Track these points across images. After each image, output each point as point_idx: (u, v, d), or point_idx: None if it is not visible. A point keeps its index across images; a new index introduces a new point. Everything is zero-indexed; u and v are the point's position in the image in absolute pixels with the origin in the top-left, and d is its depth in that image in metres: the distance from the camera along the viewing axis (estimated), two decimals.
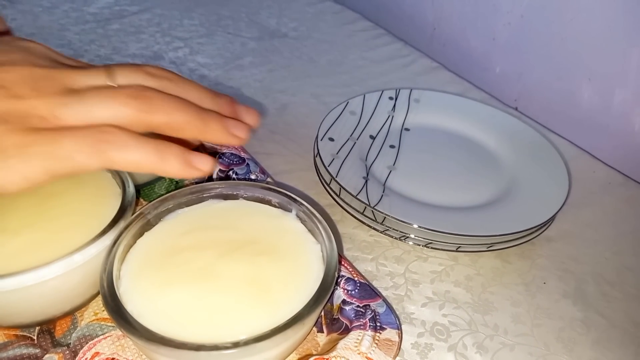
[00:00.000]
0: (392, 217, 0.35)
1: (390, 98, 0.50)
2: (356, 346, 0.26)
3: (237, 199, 0.32)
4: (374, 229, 0.38)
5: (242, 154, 0.41)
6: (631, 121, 0.46)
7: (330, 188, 0.40)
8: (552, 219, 0.38)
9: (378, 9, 0.73)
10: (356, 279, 0.31)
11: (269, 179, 0.39)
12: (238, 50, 0.62)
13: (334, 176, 0.38)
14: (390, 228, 0.37)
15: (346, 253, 0.36)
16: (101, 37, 0.62)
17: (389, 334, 0.28)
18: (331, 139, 0.43)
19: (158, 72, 0.25)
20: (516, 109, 0.56)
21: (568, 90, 0.51)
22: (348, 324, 0.29)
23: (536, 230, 0.37)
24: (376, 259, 0.36)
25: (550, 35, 0.52)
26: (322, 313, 0.30)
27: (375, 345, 0.27)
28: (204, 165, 0.24)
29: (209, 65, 0.58)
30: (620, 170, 0.47)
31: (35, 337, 0.29)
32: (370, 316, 0.28)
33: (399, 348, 0.28)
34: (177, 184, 0.39)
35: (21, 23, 0.64)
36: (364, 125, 0.46)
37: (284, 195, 0.31)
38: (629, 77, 0.46)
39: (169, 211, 0.31)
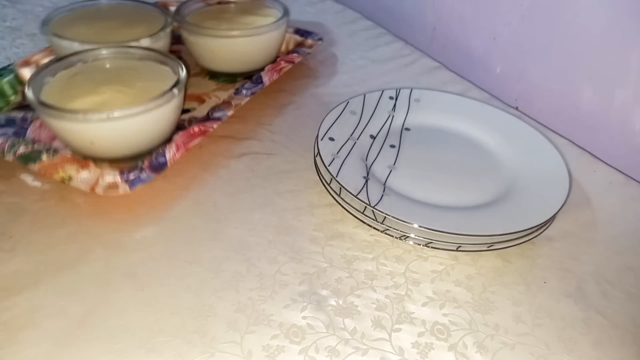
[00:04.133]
0: (392, 216, 0.35)
1: (391, 98, 0.50)
2: None
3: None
4: (375, 228, 0.38)
5: None
6: (631, 121, 0.46)
7: (331, 188, 0.40)
8: (552, 218, 0.38)
9: (378, 9, 0.73)
10: None
11: None
12: None
13: (334, 176, 0.38)
14: (391, 228, 0.37)
15: (346, 252, 0.36)
16: None
17: None
18: (331, 139, 0.43)
19: None
20: (517, 108, 0.56)
21: (568, 90, 0.51)
22: None
23: (536, 230, 0.37)
24: (376, 258, 0.36)
25: (550, 35, 0.52)
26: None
27: None
28: None
29: None
30: (620, 170, 0.47)
31: None
32: None
33: None
34: None
35: (21, 23, 0.64)
36: (364, 125, 0.46)
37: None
38: (629, 77, 0.46)
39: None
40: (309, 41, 0.59)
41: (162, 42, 0.50)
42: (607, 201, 0.43)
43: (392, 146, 0.45)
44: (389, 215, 0.36)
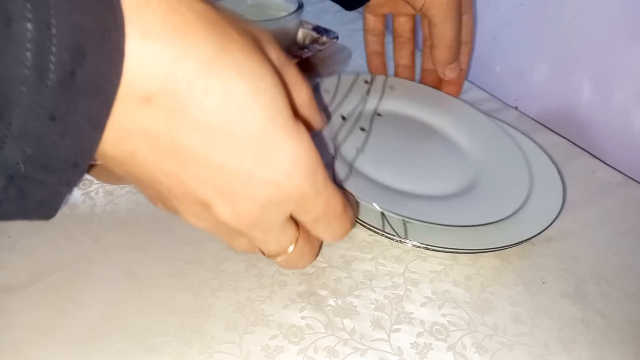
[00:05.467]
0: (357, 196, 0.35)
1: (366, 82, 0.50)
2: None
3: None
4: (374, 231, 0.37)
5: None
6: (631, 121, 0.46)
7: None
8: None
9: None
10: None
11: None
12: None
13: None
14: (387, 233, 0.36)
15: (345, 252, 0.36)
16: None
17: None
18: None
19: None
20: (516, 108, 0.56)
21: (568, 90, 0.51)
22: None
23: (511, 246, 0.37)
24: (375, 258, 0.36)
25: (550, 35, 0.52)
26: None
27: None
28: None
29: None
30: (620, 170, 0.47)
31: None
32: None
33: None
34: None
35: None
36: (337, 105, 0.46)
37: None
38: (629, 77, 0.46)
39: None
40: (324, 38, 0.60)
41: None
42: (606, 201, 0.43)
43: (362, 129, 0.45)
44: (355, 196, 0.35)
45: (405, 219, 0.35)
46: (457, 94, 0.51)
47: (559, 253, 0.38)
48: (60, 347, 0.29)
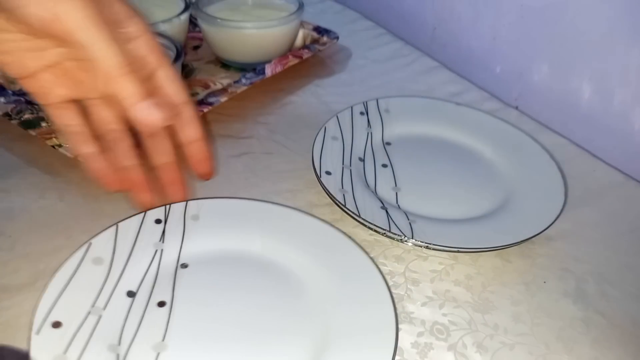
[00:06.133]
0: (432, 244, 0.35)
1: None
2: None
3: None
4: (375, 231, 0.38)
5: None
6: (631, 120, 0.46)
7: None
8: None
9: (378, 9, 0.73)
10: None
11: None
12: None
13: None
14: (389, 231, 0.36)
15: None
16: None
17: None
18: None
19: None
20: (517, 108, 0.56)
21: (568, 90, 0.51)
22: None
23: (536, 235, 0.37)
24: (376, 258, 0.36)
25: (550, 35, 0.52)
26: None
27: None
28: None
29: None
30: (620, 170, 0.47)
31: None
32: None
33: None
34: None
35: None
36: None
37: None
38: (629, 77, 0.46)
39: None
40: (324, 39, 0.60)
41: (177, 28, 0.51)
42: (606, 201, 0.43)
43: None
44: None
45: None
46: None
47: (559, 252, 0.38)
48: None
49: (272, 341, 0.29)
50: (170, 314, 0.30)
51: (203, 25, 0.54)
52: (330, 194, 0.38)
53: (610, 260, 0.38)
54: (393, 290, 0.34)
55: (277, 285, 0.33)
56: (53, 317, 0.28)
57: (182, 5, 0.53)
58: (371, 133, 0.47)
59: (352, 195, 0.39)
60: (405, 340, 0.31)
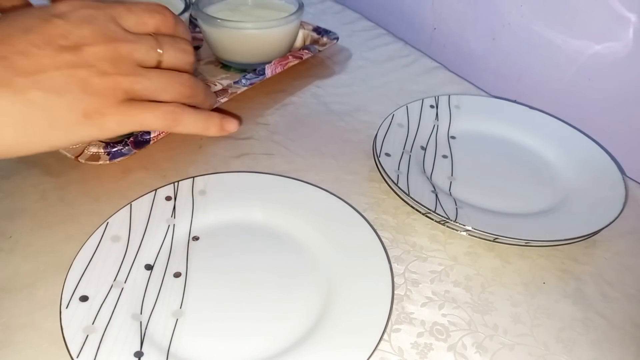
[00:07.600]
0: (474, 229, 0.36)
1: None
2: None
3: None
4: (418, 210, 0.39)
5: None
6: (630, 120, 0.46)
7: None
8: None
9: (378, 9, 0.73)
10: None
11: None
12: None
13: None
14: (433, 211, 0.37)
15: None
16: None
17: None
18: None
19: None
20: None
21: (568, 91, 0.51)
22: None
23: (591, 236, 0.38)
24: None
25: (550, 35, 0.52)
26: None
27: None
28: (232, 127, 0.34)
29: None
30: (620, 169, 0.47)
31: None
32: None
33: None
34: None
35: None
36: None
37: None
38: (629, 77, 0.46)
39: None
40: (324, 39, 0.60)
41: None
42: None
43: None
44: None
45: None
46: None
47: (559, 253, 0.38)
48: (60, 346, 0.29)
49: (282, 298, 0.32)
50: (185, 283, 0.33)
51: (203, 25, 0.54)
52: (386, 173, 0.40)
53: (609, 261, 0.38)
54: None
55: (281, 248, 0.35)
56: (80, 292, 0.30)
57: (182, 6, 0.53)
58: (438, 125, 0.48)
59: (405, 177, 0.41)
60: (405, 341, 0.31)
